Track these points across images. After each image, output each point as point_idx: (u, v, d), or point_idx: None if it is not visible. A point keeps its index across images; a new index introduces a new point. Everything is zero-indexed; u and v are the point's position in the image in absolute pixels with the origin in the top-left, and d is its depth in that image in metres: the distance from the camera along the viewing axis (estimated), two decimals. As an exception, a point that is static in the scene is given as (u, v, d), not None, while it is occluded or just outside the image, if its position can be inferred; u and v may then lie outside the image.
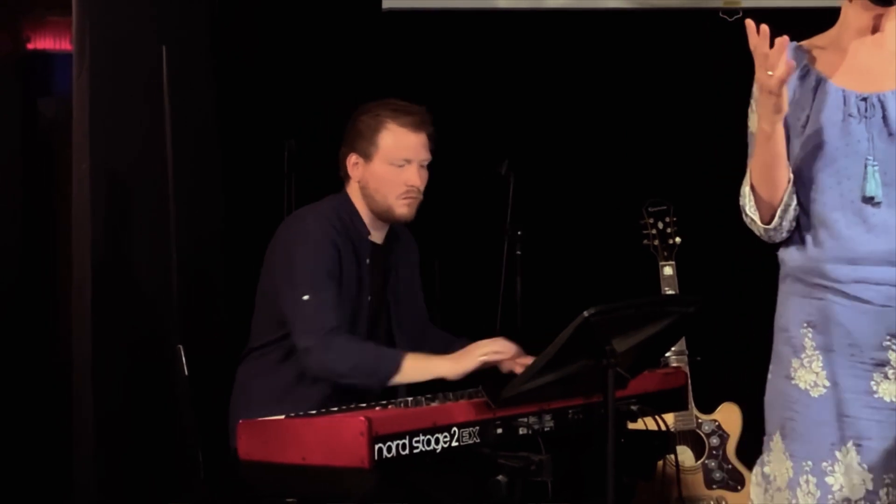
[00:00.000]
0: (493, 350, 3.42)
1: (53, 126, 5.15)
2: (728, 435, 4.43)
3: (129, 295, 4.26)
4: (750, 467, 4.39)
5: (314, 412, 3.17)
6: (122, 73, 4.31)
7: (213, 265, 3.62)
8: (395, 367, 3.38)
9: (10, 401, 4.79)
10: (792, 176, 2.73)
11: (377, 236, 3.68)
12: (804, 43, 2.84)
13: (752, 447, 4.38)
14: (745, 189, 2.80)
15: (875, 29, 2.75)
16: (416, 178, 3.59)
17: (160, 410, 4.00)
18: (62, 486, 4.51)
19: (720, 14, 5.00)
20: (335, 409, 3.20)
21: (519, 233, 4.67)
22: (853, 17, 2.76)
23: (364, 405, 3.22)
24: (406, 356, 3.41)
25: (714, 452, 4.42)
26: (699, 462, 4.41)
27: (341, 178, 3.71)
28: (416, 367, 3.40)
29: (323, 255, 3.51)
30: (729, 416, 4.45)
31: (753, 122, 2.80)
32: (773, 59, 2.58)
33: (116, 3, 4.32)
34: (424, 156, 3.63)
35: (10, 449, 4.76)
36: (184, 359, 3.62)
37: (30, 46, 5.24)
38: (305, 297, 3.45)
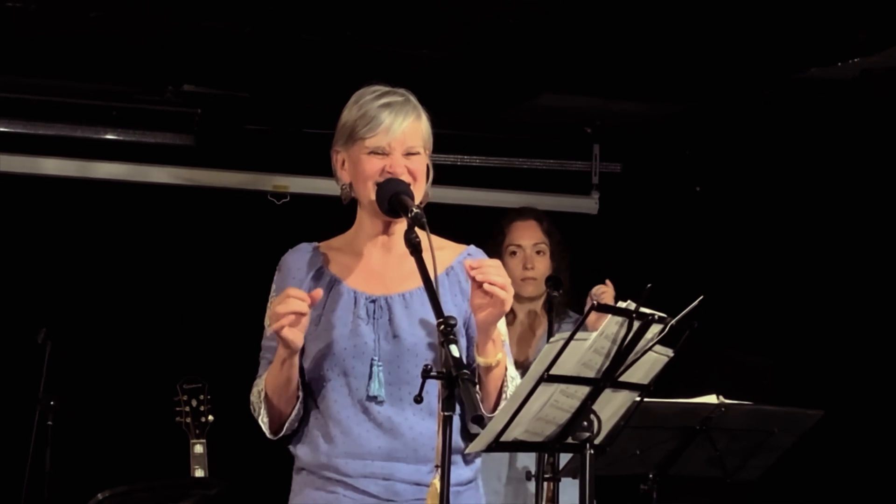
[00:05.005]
0: None
1: None
2: None
3: None
4: None
5: None
6: None
7: None
8: None
9: None
10: (302, 393, 2.80)
11: None
12: (322, 244, 2.92)
13: None
14: (258, 396, 2.82)
15: (386, 233, 2.86)
16: None
17: None
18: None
19: (268, 197, 5.21)
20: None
21: (52, 403, 4.54)
22: (367, 222, 2.87)
23: None
24: None
25: None
26: None
27: None
28: None
29: None
30: None
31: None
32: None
33: None
34: None
35: None
36: None
37: None
38: None
